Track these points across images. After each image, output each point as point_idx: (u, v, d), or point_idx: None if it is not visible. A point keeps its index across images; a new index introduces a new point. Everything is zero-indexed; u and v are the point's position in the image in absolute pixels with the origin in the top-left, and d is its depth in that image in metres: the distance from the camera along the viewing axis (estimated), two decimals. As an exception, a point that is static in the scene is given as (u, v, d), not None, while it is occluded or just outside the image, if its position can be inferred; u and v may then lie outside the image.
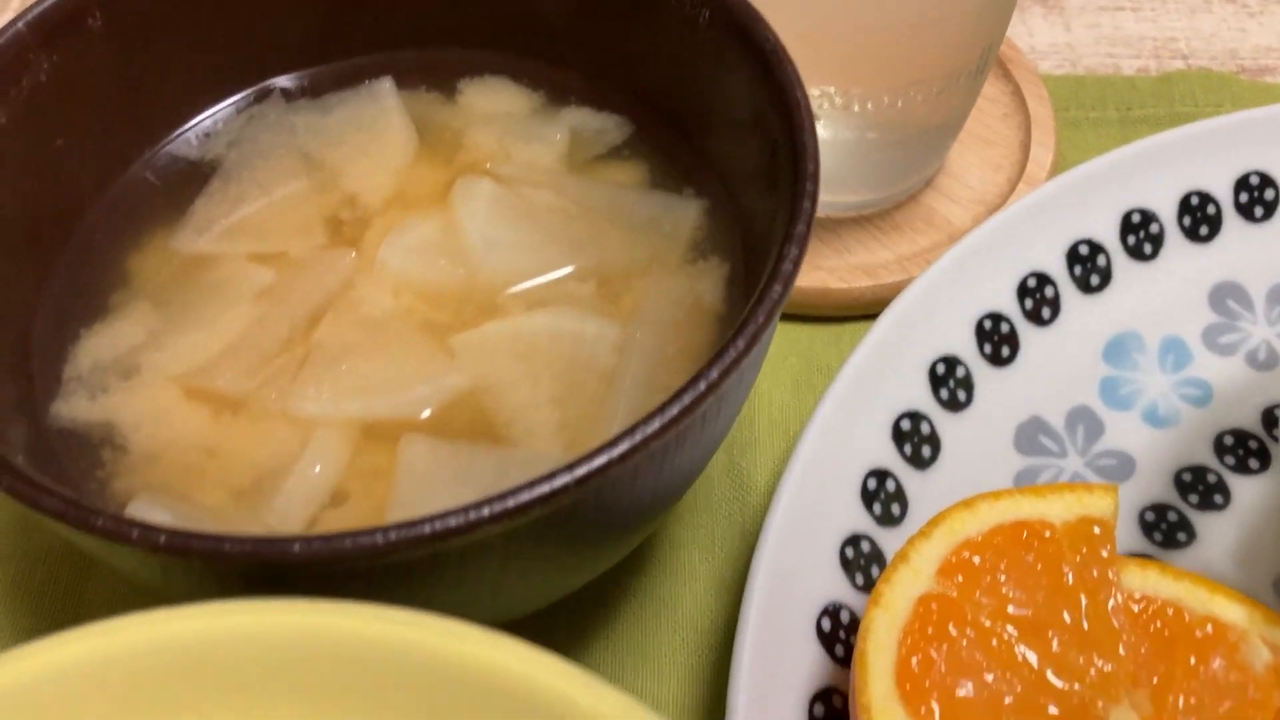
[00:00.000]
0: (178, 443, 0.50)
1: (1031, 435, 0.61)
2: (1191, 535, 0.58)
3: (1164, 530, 0.58)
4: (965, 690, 0.45)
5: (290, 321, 0.53)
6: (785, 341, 0.69)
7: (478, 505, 0.38)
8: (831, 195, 0.71)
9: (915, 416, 0.59)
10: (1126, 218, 0.65)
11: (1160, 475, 0.60)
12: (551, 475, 0.38)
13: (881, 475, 0.57)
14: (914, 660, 0.45)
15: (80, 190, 0.57)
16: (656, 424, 0.40)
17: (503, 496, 0.38)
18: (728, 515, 0.62)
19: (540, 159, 0.59)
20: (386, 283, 0.54)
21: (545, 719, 0.35)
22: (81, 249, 0.56)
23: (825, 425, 0.56)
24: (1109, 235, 0.64)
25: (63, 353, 0.53)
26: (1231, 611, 0.48)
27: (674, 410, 0.40)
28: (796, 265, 0.44)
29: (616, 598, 0.59)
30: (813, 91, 0.62)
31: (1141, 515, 0.59)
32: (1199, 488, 0.59)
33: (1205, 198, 0.66)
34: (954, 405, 0.60)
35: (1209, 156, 0.66)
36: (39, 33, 0.52)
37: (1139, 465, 0.60)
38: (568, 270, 0.54)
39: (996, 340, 0.62)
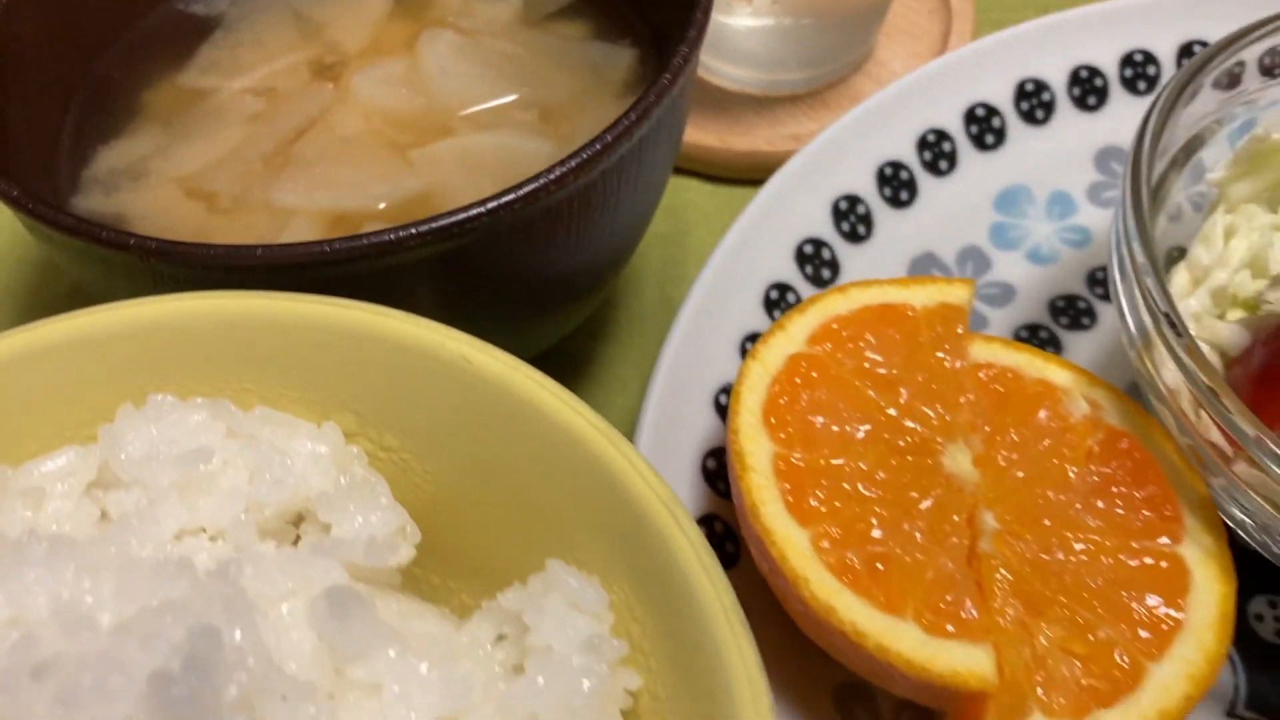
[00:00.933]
0: (176, 230, 0.60)
1: (924, 267, 0.69)
2: (1059, 349, 0.66)
3: (1035, 345, 0.66)
4: (821, 422, 0.53)
5: (276, 138, 0.63)
6: (720, 201, 0.77)
7: (407, 225, 0.47)
8: (769, 74, 0.80)
9: (817, 243, 0.67)
10: (1020, 86, 0.73)
11: (1037, 302, 0.68)
12: (468, 207, 0.47)
13: (783, 288, 0.65)
14: (781, 399, 0.54)
15: (101, 33, 0.66)
16: (557, 172, 0.49)
17: (427, 220, 0.47)
18: (659, 338, 0.70)
19: (499, 15, 0.68)
20: (358, 109, 0.64)
21: (449, 370, 0.44)
22: (101, 81, 0.66)
23: (735, 244, 0.65)
24: (1004, 101, 0.73)
25: (83, 160, 0.62)
26: (1061, 376, 0.56)
27: (572, 163, 0.49)
28: (686, 60, 0.53)
29: (556, 398, 0.68)
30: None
31: (1016, 333, 0.67)
32: (1070, 312, 0.68)
33: (1094, 71, 0.74)
34: (854, 237, 0.68)
35: (1098, 35, 0.74)
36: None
37: (1019, 293, 0.69)
38: (512, 98, 0.63)
39: (896, 185, 0.70)
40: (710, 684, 0.37)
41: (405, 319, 0.44)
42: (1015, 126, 0.73)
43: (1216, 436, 0.51)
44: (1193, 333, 0.55)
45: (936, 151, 0.71)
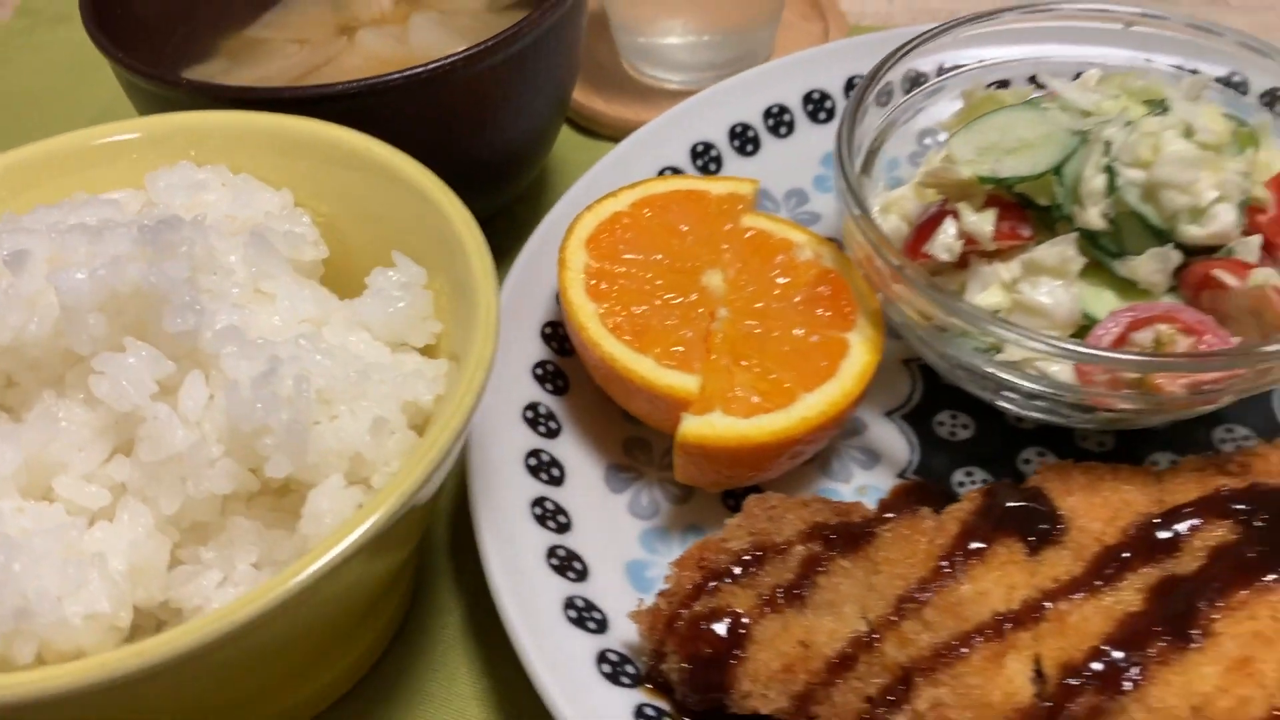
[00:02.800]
0: (227, 118, 0.89)
1: (758, 202, 0.94)
2: (844, 255, 0.90)
3: (827, 251, 0.90)
4: (624, 249, 0.79)
5: (304, 67, 0.92)
6: (632, 157, 1.04)
7: (352, 80, 0.74)
8: (686, 75, 1.08)
9: (675, 170, 0.93)
10: (850, 81, 0.99)
11: (835, 224, 0.93)
12: (391, 73, 0.75)
13: (644, 195, 0.91)
14: (601, 236, 0.79)
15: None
16: (481, 47, 0.76)
17: (364, 79, 0.75)
18: (565, 239, 0.97)
19: (472, 5, 0.97)
20: (361, 53, 0.93)
21: (359, 158, 0.70)
22: (192, 28, 0.96)
23: (611, 161, 0.91)
24: (837, 91, 0.98)
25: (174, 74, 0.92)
26: (799, 236, 0.81)
27: (475, 50, 0.76)
28: (558, 6, 0.80)
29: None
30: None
31: (816, 243, 0.91)
32: (858, 232, 0.92)
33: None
34: (705, 172, 0.94)
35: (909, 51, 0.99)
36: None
37: (823, 218, 0.93)
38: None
39: (744, 140, 0.96)
40: (469, 312, 0.62)
41: (334, 127, 0.72)
42: (842, 109, 0.98)
43: (881, 265, 0.74)
44: (885, 208, 0.80)
45: (778, 119, 0.97)
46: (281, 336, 0.61)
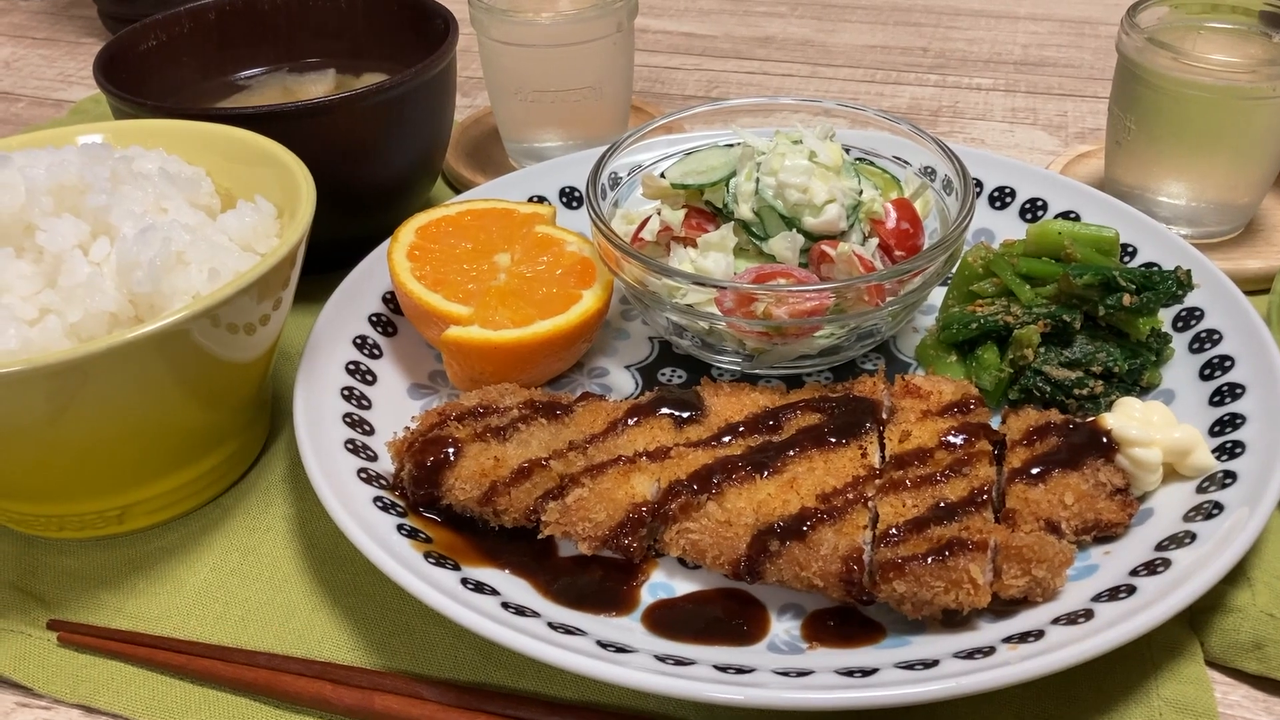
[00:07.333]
0: (187, 151, 1.23)
1: (574, 237, 1.25)
2: (627, 275, 1.21)
3: (615, 272, 1.21)
4: (444, 235, 1.10)
5: (248, 124, 1.27)
6: (498, 218, 1.37)
7: (260, 105, 1.09)
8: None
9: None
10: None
11: (627, 257, 1.23)
12: (290, 103, 1.09)
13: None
14: (430, 227, 1.11)
15: (186, 83, 1.34)
16: (350, 93, 1.10)
17: (272, 105, 1.09)
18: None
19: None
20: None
21: (253, 152, 1.04)
22: (185, 100, 1.32)
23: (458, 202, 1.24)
24: (579, 182, 1.31)
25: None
26: (571, 238, 1.11)
27: (356, 91, 1.10)
28: (428, 68, 1.15)
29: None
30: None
31: (608, 267, 1.22)
32: (642, 262, 1.23)
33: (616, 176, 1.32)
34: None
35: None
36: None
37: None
38: (364, 117, 1.26)
39: (570, 198, 1.28)
40: (292, 224, 0.93)
41: (235, 129, 1.05)
42: (651, 184, 1.31)
43: (611, 248, 1.05)
44: (620, 219, 1.11)
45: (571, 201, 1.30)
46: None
